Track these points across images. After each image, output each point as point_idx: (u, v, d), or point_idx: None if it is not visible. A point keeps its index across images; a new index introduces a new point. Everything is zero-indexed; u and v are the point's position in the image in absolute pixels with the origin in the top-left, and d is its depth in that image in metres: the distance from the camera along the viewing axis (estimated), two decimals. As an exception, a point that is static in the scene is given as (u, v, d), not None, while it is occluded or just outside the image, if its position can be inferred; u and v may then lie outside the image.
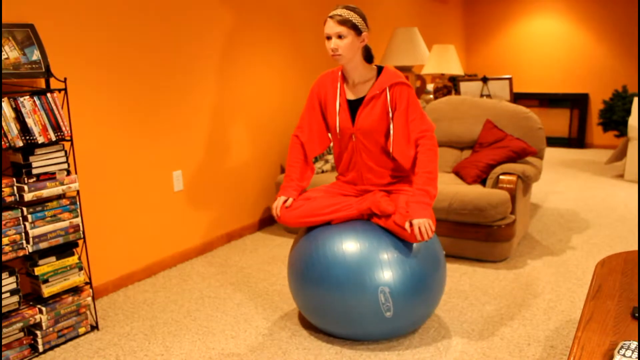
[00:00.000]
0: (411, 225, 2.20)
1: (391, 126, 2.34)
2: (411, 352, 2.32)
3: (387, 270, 2.22)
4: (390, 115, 2.34)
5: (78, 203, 2.46)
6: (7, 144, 2.19)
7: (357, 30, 2.25)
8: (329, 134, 2.55)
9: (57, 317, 2.42)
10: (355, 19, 2.25)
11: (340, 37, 2.24)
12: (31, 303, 2.40)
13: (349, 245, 2.27)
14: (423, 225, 2.18)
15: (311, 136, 2.51)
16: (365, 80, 2.38)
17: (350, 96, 2.40)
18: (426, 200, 2.24)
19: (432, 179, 2.28)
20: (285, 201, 2.44)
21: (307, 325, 2.59)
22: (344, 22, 2.23)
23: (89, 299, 2.54)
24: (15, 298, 2.27)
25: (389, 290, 2.21)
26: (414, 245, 2.31)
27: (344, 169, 2.52)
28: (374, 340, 2.39)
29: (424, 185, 2.26)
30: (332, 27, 2.24)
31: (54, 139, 2.32)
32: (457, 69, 5.07)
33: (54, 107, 2.32)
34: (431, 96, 5.40)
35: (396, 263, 2.23)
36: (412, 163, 2.36)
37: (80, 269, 2.49)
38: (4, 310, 2.24)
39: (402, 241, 2.29)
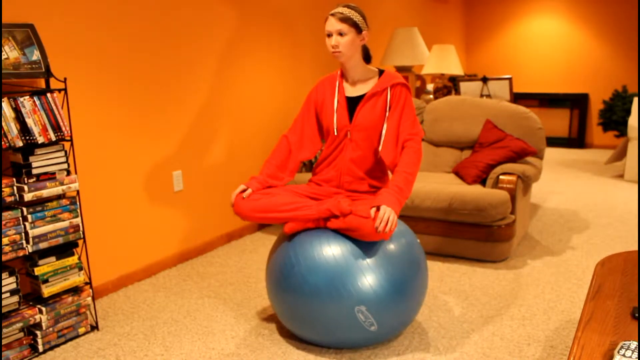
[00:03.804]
0: (377, 210, 2.11)
1: (384, 125, 2.35)
2: (411, 352, 2.32)
3: (366, 277, 2.13)
4: (387, 114, 2.35)
5: (78, 203, 2.46)
6: (7, 144, 2.19)
7: (357, 29, 2.28)
8: (321, 139, 2.52)
9: (57, 317, 2.42)
10: (356, 17, 2.28)
11: (341, 34, 2.27)
12: (31, 303, 2.40)
13: (327, 251, 2.17)
14: (389, 214, 2.09)
15: (302, 139, 2.50)
16: (366, 78, 2.40)
17: (350, 93, 2.40)
18: (399, 196, 2.18)
19: (410, 181, 2.24)
20: (244, 191, 2.35)
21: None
22: (345, 19, 2.26)
23: (89, 299, 2.54)
24: (15, 298, 2.27)
25: (366, 308, 2.13)
26: (392, 250, 2.21)
27: (324, 167, 2.46)
28: (359, 347, 2.33)
29: (400, 183, 2.21)
30: (333, 25, 2.27)
31: (54, 139, 2.32)
32: (457, 69, 5.07)
33: (54, 107, 2.32)
34: (431, 96, 5.40)
35: (374, 270, 2.15)
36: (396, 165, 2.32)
37: (80, 269, 2.49)
38: (4, 310, 2.24)
39: (380, 247, 2.19)
